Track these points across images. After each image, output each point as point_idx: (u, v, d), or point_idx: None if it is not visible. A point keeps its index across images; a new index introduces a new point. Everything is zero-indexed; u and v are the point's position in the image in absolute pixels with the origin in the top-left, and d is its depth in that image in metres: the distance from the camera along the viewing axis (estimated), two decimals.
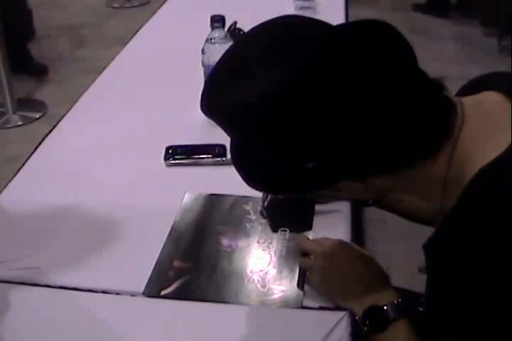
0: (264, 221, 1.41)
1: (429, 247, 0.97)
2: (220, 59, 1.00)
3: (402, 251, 2.66)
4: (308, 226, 1.39)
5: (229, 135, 1.01)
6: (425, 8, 5.43)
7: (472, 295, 0.87)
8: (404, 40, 0.92)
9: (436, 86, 0.94)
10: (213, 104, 0.99)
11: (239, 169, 1.03)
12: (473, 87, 1.05)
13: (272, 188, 1.10)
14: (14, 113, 3.94)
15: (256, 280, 1.25)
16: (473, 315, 0.88)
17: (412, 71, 0.92)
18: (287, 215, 1.45)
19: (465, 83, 1.12)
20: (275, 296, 1.22)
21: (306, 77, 0.88)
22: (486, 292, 0.85)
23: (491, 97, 0.98)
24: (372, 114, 0.88)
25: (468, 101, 0.98)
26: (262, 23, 0.99)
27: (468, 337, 0.90)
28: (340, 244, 1.25)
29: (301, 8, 2.64)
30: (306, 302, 1.21)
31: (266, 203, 1.42)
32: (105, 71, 2.16)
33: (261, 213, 1.42)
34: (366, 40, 0.90)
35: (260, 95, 0.89)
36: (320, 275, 1.21)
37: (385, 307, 1.11)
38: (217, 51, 1.73)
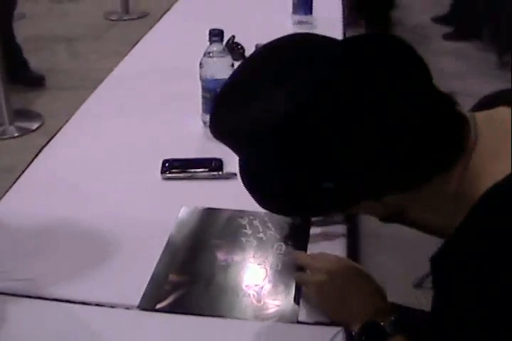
0: (260, 235, 1.40)
1: (436, 260, 0.96)
2: (227, 81, 1.00)
3: (396, 266, 2.66)
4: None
5: (241, 158, 0.99)
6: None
7: (480, 312, 0.86)
8: (416, 53, 0.91)
9: (449, 101, 0.95)
10: (223, 127, 0.99)
11: (253, 193, 1.00)
12: (488, 102, 1.05)
13: (288, 211, 1.08)
14: (11, 124, 3.93)
15: (251, 295, 1.25)
16: (481, 331, 0.87)
17: (426, 86, 0.92)
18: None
19: (480, 99, 1.12)
20: (270, 311, 1.22)
21: (318, 99, 0.87)
22: (495, 308, 0.84)
23: (505, 112, 0.98)
24: (386, 132, 0.88)
25: (481, 116, 0.98)
26: (270, 44, 0.99)
27: None
28: (337, 259, 1.25)
29: (299, 22, 2.65)
30: (302, 317, 1.20)
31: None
32: (103, 83, 2.17)
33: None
34: (378, 57, 0.90)
35: (272, 118, 0.89)
36: (316, 291, 1.21)
37: (382, 323, 1.10)
38: (215, 65, 1.74)
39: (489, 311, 0.85)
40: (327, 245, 1.36)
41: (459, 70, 4.64)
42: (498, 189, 0.87)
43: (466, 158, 0.93)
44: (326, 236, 1.41)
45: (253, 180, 1.00)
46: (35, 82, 4.43)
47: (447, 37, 5.31)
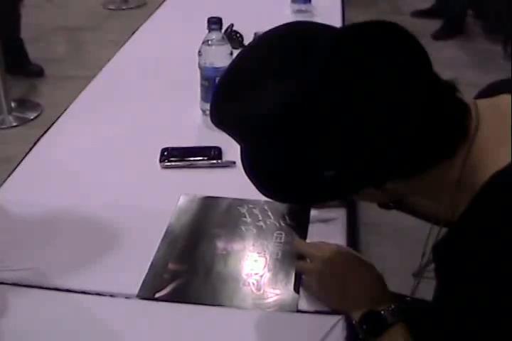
0: (260, 223, 1.40)
1: (439, 249, 0.96)
2: (228, 69, 0.99)
3: (396, 255, 2.66)
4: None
5: (242, 146, 0.99)
6: (426, 14, 5.42)
7: (481, 300, 0.86)
8: (416, 41, 0.91)
9: (450, 88, 0.94)
10: (225, 115, 0.98)
11: (255, 181, 0.99)
12: (492, 91, 1.05)
13: (288, 198, 1.07)
14: (9, 114, 3.93)
15: (251, 284, 1.25)
16: (482, 320, 0.87)
17: (426, 73, 0.91)
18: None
19: (483, 87, 1.12)
20: (270, 300, 1.21)
21: (319, 87, 0.87)
22: (498, 297, 0.84)
23: (508, 100, 0.97)
24: (388, 120, 0.87)
25: (484, 103, 0.98)
26: (269, 32, 0.98)
27: None
28: (338, 248, 1.25)
29: (298, 11, 2.64)
30: (302, 306, 1.20)
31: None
32: (101, 72, 2.16)
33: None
34: (378, 45, 0.89)
35: (274, 106, 0.88)
36: (316, 279, 1.20)
37: (382, 312, 1.10)
38: (214, 53, 1.73)
39: (492, 300, 0.85)
40: (327, 234, 1.36)
41: (459, 60, 4.63)
42: (501, 176, 0.87)
43: (468, 144, 0.93)
44: (325, 219, 1.41)
45: (254, 168, 0.99)
46: (34, 73, 4.41)
47: (436, 36, 5.13)
